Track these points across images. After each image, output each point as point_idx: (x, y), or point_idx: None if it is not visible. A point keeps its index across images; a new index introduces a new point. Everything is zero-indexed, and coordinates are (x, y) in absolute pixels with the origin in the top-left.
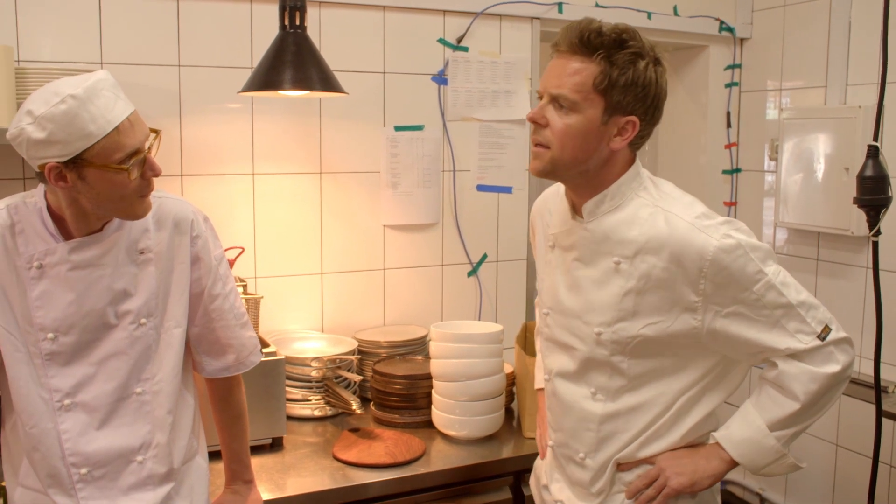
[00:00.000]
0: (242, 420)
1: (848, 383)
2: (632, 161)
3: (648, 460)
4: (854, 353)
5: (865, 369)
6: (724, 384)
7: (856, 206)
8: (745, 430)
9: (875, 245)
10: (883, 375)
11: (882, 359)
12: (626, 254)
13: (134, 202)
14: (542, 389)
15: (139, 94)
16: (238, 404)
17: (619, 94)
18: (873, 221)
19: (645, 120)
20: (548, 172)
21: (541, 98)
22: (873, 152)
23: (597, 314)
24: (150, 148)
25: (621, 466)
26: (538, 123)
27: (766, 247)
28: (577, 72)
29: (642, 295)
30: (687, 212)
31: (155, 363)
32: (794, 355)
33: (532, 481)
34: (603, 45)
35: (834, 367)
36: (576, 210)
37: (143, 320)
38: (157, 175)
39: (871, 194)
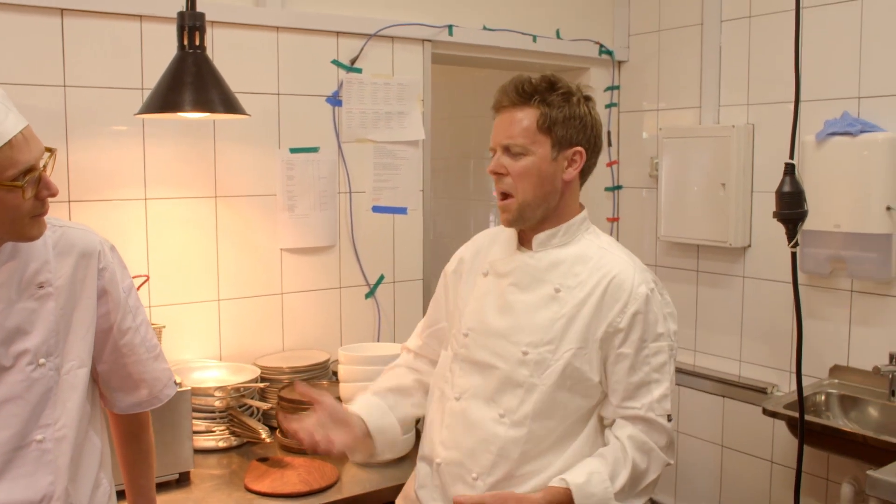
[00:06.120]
0: (151, 456)
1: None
2: (578, 200)
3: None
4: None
5: (746, 373)
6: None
7: (776, 220)
8: (597, 487)
9: (794, 256)
10: (759, 377)
11: (758, 361)
12: (569, 284)
13: (26, 224)
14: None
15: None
16: (148, 441)
17: (562, 129)
18: (791, 234)
19: (589, 148)
20: (517, 220)
21: (493, 153)
22: (790, 169)
23: (526, 335)
24: (45, 166)
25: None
26: (499, 173)
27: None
28: (521, 119)
29: (572, 321)
30: (628, 257)
31: (58, 407)
32: (648, 422)
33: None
34: (536, 90)
35: (670, 459)
36: (522, 242)
37: (41, 360)
38: (52, 195)
39: (789, 208)
